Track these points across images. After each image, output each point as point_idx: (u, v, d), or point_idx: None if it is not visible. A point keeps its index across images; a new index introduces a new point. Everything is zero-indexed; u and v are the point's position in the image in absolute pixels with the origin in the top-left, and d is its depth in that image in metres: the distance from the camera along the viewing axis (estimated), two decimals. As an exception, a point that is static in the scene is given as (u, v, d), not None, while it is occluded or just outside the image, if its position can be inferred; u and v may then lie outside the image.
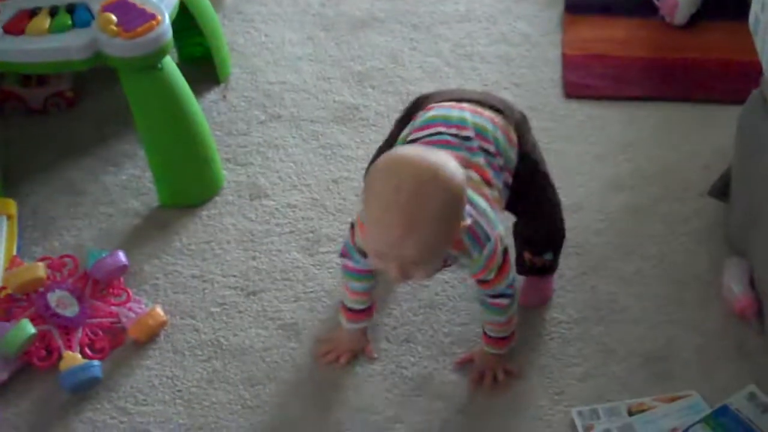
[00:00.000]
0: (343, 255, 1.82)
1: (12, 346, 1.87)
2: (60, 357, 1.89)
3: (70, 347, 1.91)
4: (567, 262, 2.07)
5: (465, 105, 1.82)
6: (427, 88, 2.49)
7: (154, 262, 2.12)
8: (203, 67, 2.51)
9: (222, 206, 2.24)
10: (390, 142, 1.89)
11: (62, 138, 2.42)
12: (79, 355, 1.90)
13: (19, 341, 1.87)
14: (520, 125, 1.87)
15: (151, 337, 1.96)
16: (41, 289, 1.97)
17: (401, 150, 1.68)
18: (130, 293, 2.03)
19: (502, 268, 1.73)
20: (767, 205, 1.90)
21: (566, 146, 2.37)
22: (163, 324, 1.98)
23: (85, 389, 1.87)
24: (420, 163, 1.56)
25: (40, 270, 1.97)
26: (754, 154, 1.96)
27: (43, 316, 1.93)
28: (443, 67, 2.61)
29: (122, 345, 1.96)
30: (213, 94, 2.52)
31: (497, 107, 1.84)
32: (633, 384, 1.86)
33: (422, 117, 1.82)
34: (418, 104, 1.89)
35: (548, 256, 1.97)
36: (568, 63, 2.60)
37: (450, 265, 1.75)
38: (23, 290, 1.96)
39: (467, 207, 1.63)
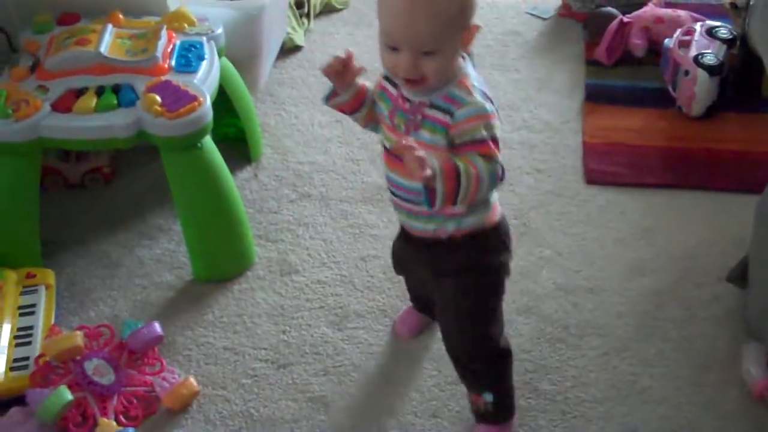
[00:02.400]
0: None
1: (50, 413, 1.91)
2: (95, 424, 1.94)
3: (105, 414, 1.96)
4: (589, 342, 2.13)
5: None
6: (452, 171, 2.58)
7: (187, 334, 2.18)
8: (236, 146, 2.61)
9: (253, 281, 2.30)
10: None
11: (99, 212, 2.49)
12: (114, 423, 1.94)
13: (56, 407, 1.91)
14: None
15: (184, 406, 2.01)
16: (78, 357, 2.02)
17: None
18: (164, 363, 2.08)
19: (486, 142, 1.61)
20: (784, 291, 1.96)
21: (587, 230, 2.44)
22: (195, 394, 2.03)
23: (119, 456, 1.92)
24: None
25: (78, 339, 2.02)
26: (771, 243, 2.03)
27: (80, 383, 1.98)
28: (468, 152, 2.69)
29: (156, 413, 2.01)
30: (245, 173, 2.61)
31: None
32: (654, 463, 1.90)
33: None
34: None
35: (488, 397, 1.88)
36: (589, 150, 2.69)
37: (449, 105, 1.64)
38: (61, 358, 2.01)
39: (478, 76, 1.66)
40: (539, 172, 2.63)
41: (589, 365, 2.09)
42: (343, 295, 2.27)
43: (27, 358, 2.04)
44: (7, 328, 2.08)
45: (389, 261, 2.31)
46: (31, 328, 2.10)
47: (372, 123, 1.81)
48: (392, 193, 1.78)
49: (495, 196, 1.78)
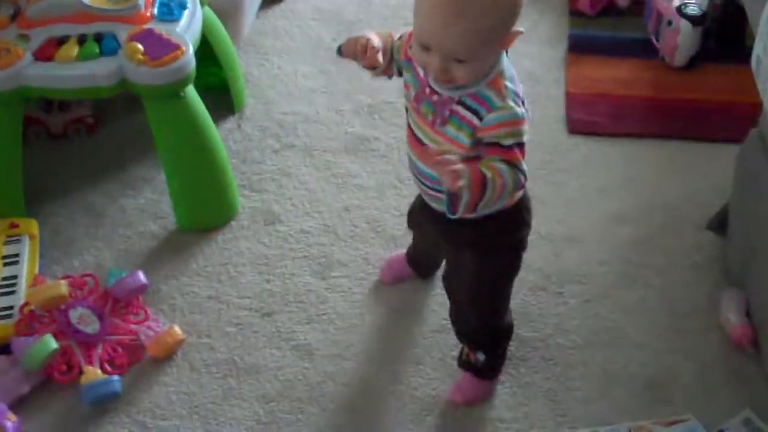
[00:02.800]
0: None
1: (35, 361, 1.93)
2: (81, 372, 1.96)
3: (90, 362, 1.97)
4: (571, 290, 2.15)
5: None
6: (435, 121, 2.58)
7: (172, 283, 2.18)
8: (219, 96, 2.59)
9: (237, 231, 2.31)
10: None
11: (82, 162, 2.49)
12: (99, 371, 1.96)
13: (41, 356, 1.93)
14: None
15: (168, 354, 2.03)
16: (63, 306, 2.03)
17: None
18: (149, 312, 2.09)
19: (513, 149, 1.59)
20: (764, 239, 1.98)
21: (569, 180, 2.45)
22: (180, 342, 2.04)
23: (104, 403, 1.93)
24: None
25: (63, 287, 2.03)
26: (751, 191, 2.05)
27: (65, 332, 2.00)
28: (451, 102, 2.69)
29: (141, 362, 2.03)
30: (229, 123, 2.60)
31: None
32: (634, 408, 1.93)
33: None
34: None
35: (480, 356, 1.93)
36: (572, 100, 2.69)
37: (477, 106, 1.61)
38: (46, 307, 2.02)
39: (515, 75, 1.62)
40: (522, 122, 2.63)
41: (570, 313, 2.11)
42: (326, 245, 2.28)
43: (11, 307, 2.04)
44: (-9, 277, 2.10)
45: (372, 211, 2.34)
46: (15, 277, 2.11)
47: (385, 75, 1.77)
48: (413, 173, 1.77)
49: None
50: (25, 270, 2.13)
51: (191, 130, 2.20)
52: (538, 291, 2.14)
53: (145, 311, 2.09)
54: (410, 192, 2.38)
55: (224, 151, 2.30)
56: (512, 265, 1.86)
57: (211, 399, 1.95)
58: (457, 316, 1.94)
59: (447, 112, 1.63)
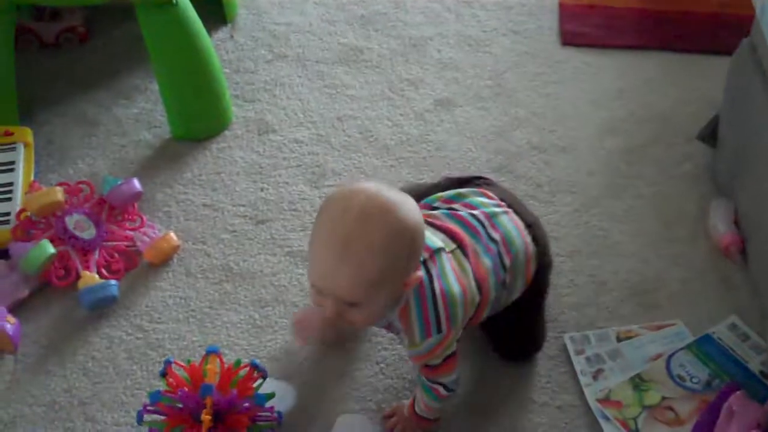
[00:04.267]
0: None
1: (33, 265, 1.95)
2: (78, 276, 1.98)
3: (87, 268, 2.00)
4: (561, 199, 2.18)
5: (514, 216, 1.76)
6: (427, 32, 2.59)
7: (167, 191, 2.20)
8: (211, 6, 2.58)
9: (231, 140, 2.32)
10: (419, 190, 1.83)
11: (75, 72, 2.48)
12: (97, 276, 1.98)
13: (39, 260, 1.95)
14: (544, 269, 1.82)
15: (164, 260, 2.05)
16: (59, 213, 2.04)
17: (364, 182, 1.64)
18: (144, 219, 2.11)
19: (447, 362, 1.63)
20: (753, 149, 2.00)
21: (561, 91, 2.46)
22: (176, 248, 2.07)
23: (102, 307, 1.96)
24: (375, 194, 1.47)
25: (59, 194, 2.04)
26: (741, 102, 2.06)
27: (62, 237, 2.02)
28: (444, 13, 2.69)
29: (137, 267, 2.05)
30: (221, 33, 2.59)
31: (541, 242, 1.80)
32: (622, 313, 1.97)
33: (471, 195, 1.78)
34: (476, 181, 1.84)
35: None
36: (565, 12, 2.69)
37: (394, 333, 1.66)
38: (42, 213, 2.03)
39: (437, 285, 1.57)
40: (515, 33, 2.63)
41: (561, 221, 2.14)
42: (320, 154, 2.29)
43: (8, 214, 2.06)
44: (-14, 184, 2.11)
45: (365, 121, 2.35)
46: (11, 184, 2.12)
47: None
48: None
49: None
50: (20, 177, 2.14)
51: (184, 38, 2.19)
52: (529, 200, 2.16)
53: (141, 218, 2.11)
54: (402, 103, 2.40)
55: (217, 60, 2.30)
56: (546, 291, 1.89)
57: (207, 303, 1.98)
58: (522, 348, 1.90)
59: (386, 331, 1.74)
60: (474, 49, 2.58)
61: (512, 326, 1.83)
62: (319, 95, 2.44)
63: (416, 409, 1.73)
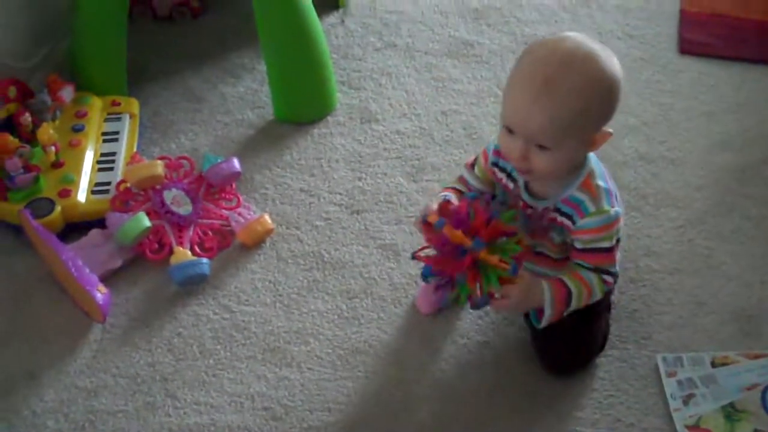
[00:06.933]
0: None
1: (128, 236, 1.96)
2: (171, 251, 1.99)
3: (181, 243, 2.01)
4: (666, 213, 2.10)
5: None
6: (541, 31, 2.54)
7: (265, 173, 2.20)
8: (324, -10, 2.58)
9: (333, 126, 2.31)
10: None
11: (185, 47, 2.50)
12: (189, 252, 1.99)
13: (134, 232, 1.97)
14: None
15: (257, 242, 2.05)
16: (158, 186, 2.06)
17: (570, 32, 1.62)
18: (241, 199, 2.11)
19: (617, 247, 1.65)
20: None
21: (675, 101, 2.39)
22: (269, 231, 2.06)
23: (192, 284, 1.96)
24: (581, 41, 1.54)
25: (159, 168, 2.06)
26: None
27: (158, 212, 2.03)
28: (560, 12, 2.63)
29: (229, 247, 2.05)
30: (332, 18, 2.58)
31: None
32: (719, 337, 1.89)
33: None
34: None
35: None
36: (686, 19, 2.60)
37: (560, 219, 1.66)
38: (141, 185, 2.05)
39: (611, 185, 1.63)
40: (631, 37, 2.56)
41: (664, 236, 2.07)
42: (421, 147, 2.26)
43: (108, 183, 2.08)
44: (90, 152, 2.13)
45: (470, 117, 2.31)
46: (113, 154, 2.15)
47: None
48: None
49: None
50: (123, 148, 2.16)
51: (295, 20, 2.19)
52: (632, 211, 2.10)
53: (238, 198, 2.12)
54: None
55: (326, 44, 2.28)
56: (602, 319, 1.83)
57: (295, 290, 1.97)
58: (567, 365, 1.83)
59: (545, 222, 1.66)
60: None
61: (557, 336, 1.77)
62: (425, 87, 2.41)
63: (570, 291, 1.65)
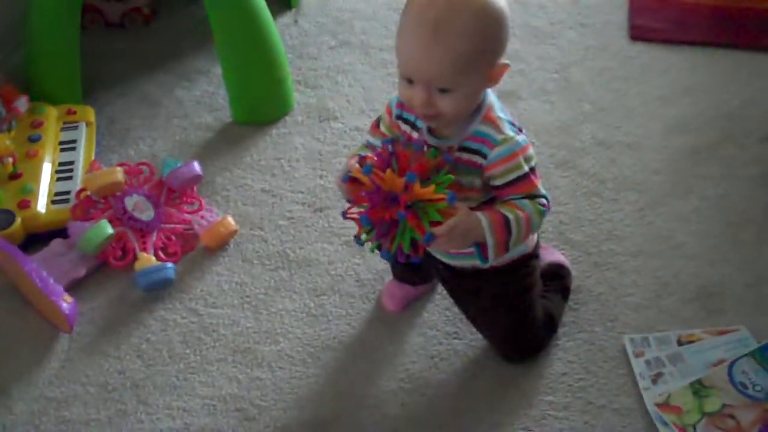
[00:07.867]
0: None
1: (91, 245, 1.95)
2: (135, 258, 1.98)
3: (144, 249, 2.00)
4: (626, 197, 2.13)
5: None
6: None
7: (226, 175, 2.19)
8: (276, -9, 2.57)
9: (292, 126, 2.31)
10: None
11: (139, 52, 2.49)
12: (154, 257, 1.98)
13: (97, 240, 1.95)
14: (527, 265, 1.79)
15: (221, 244, 2.04)
16: (119, 193, 2.05)
17: None
18: (203, 202, 2.11)
19: (535, 174, 1.61)
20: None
21: (628, 86, 2.41)
22: (233, 233, 2.06)
23: (158, 289, 1.96)
24: None
25: (119, 174, 2.04)
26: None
27: (120, 218, 2.02)
28: (511, 4, 2.60)
29: (194, 251, 2.05)
30: (286, 18, 2.59)
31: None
32: (684, 316, 1.91)
33: None
34: None
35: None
36: (635, 6, 2.64)
37: (467, 163, 1.60)
38: (102, 193, 2.04)
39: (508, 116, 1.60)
40: (583, 26, 2.59)
41: (625, 219, 2.09)
42: (380, 143, 2.27)
43: (68, 192, 2.07)
44: (48, 162, 2.11)
45: (428, 110, 2.31)
46: (72, 163, 2.13)
47: None
48: None
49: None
50: (81, 156, 2.15)
51: (249, 21, 2.19)
52: (593, 197, 2.12)
53: (200, 201, 2.11)
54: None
55: (281, 45, 2.28)
56: (531, 290, 1.81)
57: (262, 290, 1.97)
58: (501, 346, 1.85)
59: (455, 163, 1.60)
60: (540, 41, 2.54)
61: (504, 325, 1.79)
62: (381, 83, 2.41)
63: (507, 218, 1.58)
